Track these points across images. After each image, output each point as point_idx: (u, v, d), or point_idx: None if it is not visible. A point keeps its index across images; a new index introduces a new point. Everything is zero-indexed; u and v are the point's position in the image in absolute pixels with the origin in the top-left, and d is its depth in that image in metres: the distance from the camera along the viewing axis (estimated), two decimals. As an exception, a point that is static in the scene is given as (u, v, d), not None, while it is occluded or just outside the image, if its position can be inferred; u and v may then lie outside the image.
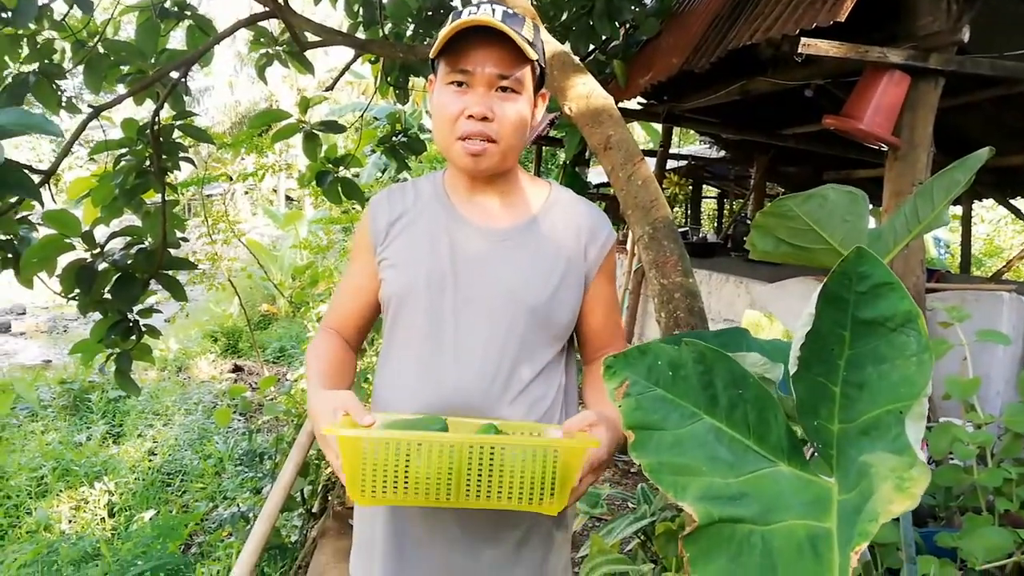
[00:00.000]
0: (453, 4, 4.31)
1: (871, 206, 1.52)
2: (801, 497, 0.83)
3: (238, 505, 4.22)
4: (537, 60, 1.24)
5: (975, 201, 7.51)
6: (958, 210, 7.19)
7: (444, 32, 1.19)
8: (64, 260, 2.83)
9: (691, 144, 12.36)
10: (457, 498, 1.06)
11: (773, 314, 2.24)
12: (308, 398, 1.24)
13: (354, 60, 4.50)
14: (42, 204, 2.55)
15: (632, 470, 4.14)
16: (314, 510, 3.85)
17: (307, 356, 1.37)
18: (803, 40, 2.86)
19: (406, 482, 1.04)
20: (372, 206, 1.39)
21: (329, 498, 3.70)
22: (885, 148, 3.13)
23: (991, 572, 1.66)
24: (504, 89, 1.22)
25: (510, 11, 1.21)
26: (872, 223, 1.25)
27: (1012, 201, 6.80)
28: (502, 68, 1.21)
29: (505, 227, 1.32)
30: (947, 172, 1.18)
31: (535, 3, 3.94)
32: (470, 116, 1.21)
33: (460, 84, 1.22)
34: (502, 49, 1.19)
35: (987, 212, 13.46)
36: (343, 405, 1.11)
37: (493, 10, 1.19)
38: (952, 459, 2.01)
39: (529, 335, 1.28)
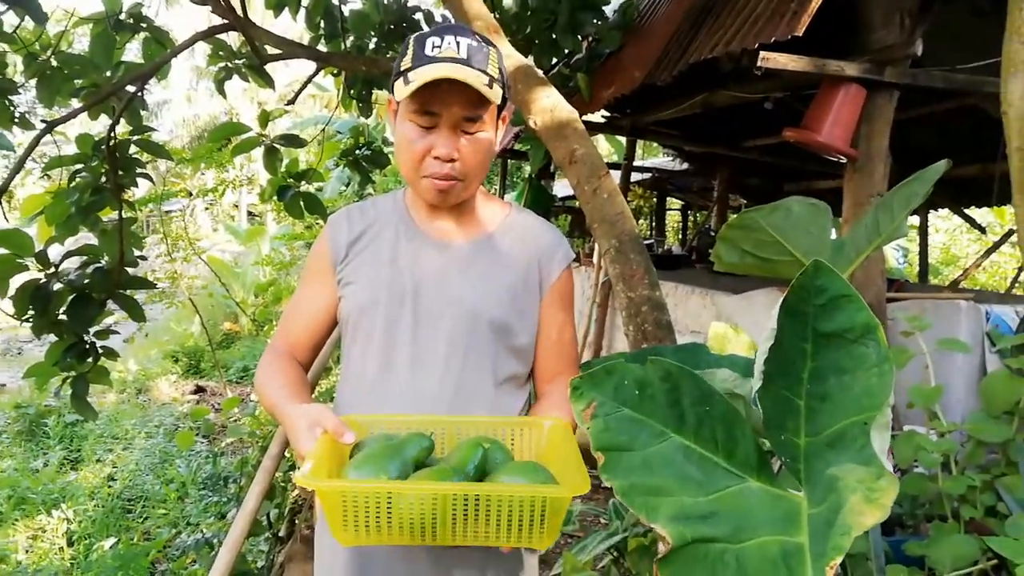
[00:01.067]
0: (415, 17, 4.30)
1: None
2: (771, 513, 0.82)
3: (202, 531, 4.12)
4: (503, 91, 1.23)
5: (931, 211, 7.69)
6: (915, 220, 7.35)
7: (411, 69, 1.16)
8: (17, 281, 2.75)
9: (655, 156, 12.48)
10: (443, 537, 1.04)
11: (739, 326, 2.25)
12: (279, 416, 1.21)
13: (316, 73, 4.46)
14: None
15: (603, 485, 4.13)
16: (281, 534, 3.76)
17: (259, 378, 1.32)
18: (762, 54, 2.89)
19: (390, 525, 1.01)
20: (331, 225, 1.38)
21: (296, 521, 3.62)
22: (843, 160, 3.18)
23: (958, 579, 1.67)
24: (470, 125, 1.21)
25: (474, 43, 1.19)
26: (833, 234, 1.26)
27: (966, 211, 6.96)
28: (468, 110, 1.19)
29: (464, 243, 1.32)
30: (906, 185, 1.19)
31: (498, 16, 3.95)
32: (436, 157, 1.20)
33: (425, 123, 1.20)
34: (469, 91, 1.17)
35: (942, 222, 13.78)
36: (319, 421, 1.10)
37: (458, 44, 1.17)
38: (917, 467, 2.03)
39: (489, 348, 1.28)
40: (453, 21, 3.27)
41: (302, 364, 1.39)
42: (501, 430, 1.21)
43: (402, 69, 1.19)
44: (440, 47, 1.16)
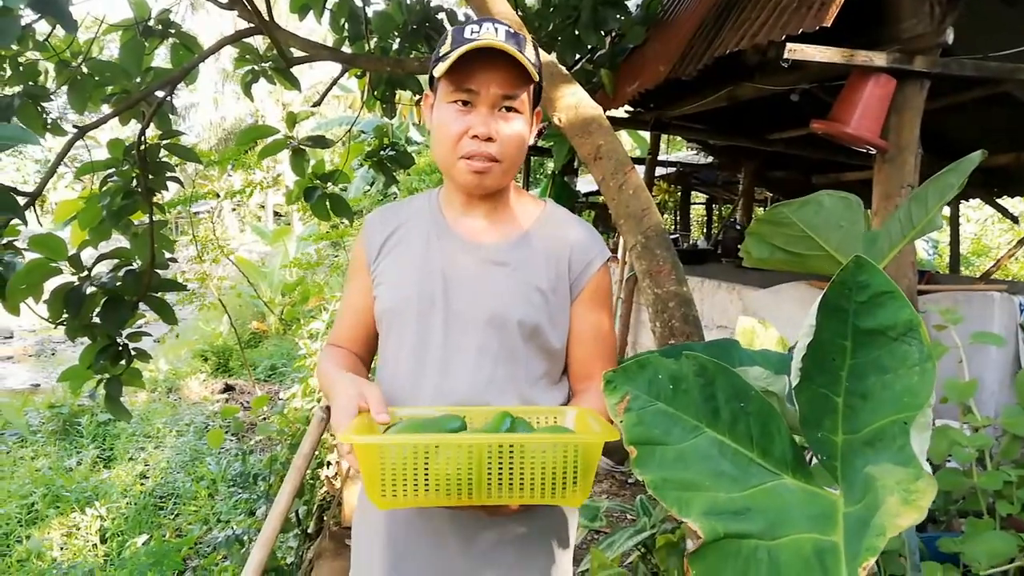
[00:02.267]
0: (439, 17, 4.31)
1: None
2: (807, 510, 0.82)
3: (232, 528, 4.16)
4: (539, 79, 1.24)
5: (962, 201, 7.56)
6: (946, 210, 7.23)
7: (450, 52, 1.18)
8: (51, 285, 2.80)
9: (679, 151, 12.41)
10: (479, 495, 1.06)
11: (767, 320, 2.24)
12: (331, 389, 1.24)
13: (341, 75, 4.49)
14: (26, 224, 2.52)
15: (630, 481, 4.12)
16: (310, 530, 3.80)
17: (318, 368, 1.37)
18: (789, 45, 2.86)
19: (426, 484, 1.04)
20: (367, 224, 1.40)
21: (324, 518, 3.66)
22: (873, 151, 3.14)
23: (995, 576, 1.65)
24: (506, 108, 1.22)
25: (511, 30, 1.20)
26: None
27: (998, 200, 6.84)
28: (506, 88, 1.21)
29: (496, 243, 1.32)
30: (940, 176, 1.18)
31: (521, 14, 3.95)
32: (474, 136, 1.21)
33: (463, 103, 1.22)
34: (506, 70, 1.19)
35: (973, 212, 13.55)
36: (364, 393, 1.14)
37: (496, 29, 1.18)
38: (951, 462, 2.00)
39: (520, 349, 1.28)
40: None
41: (360, 358, 1.43)
42: (529, 418, 1.22)
43: (441, 54, 1.21)
44: (478, 32, 1.18)
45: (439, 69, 1.20)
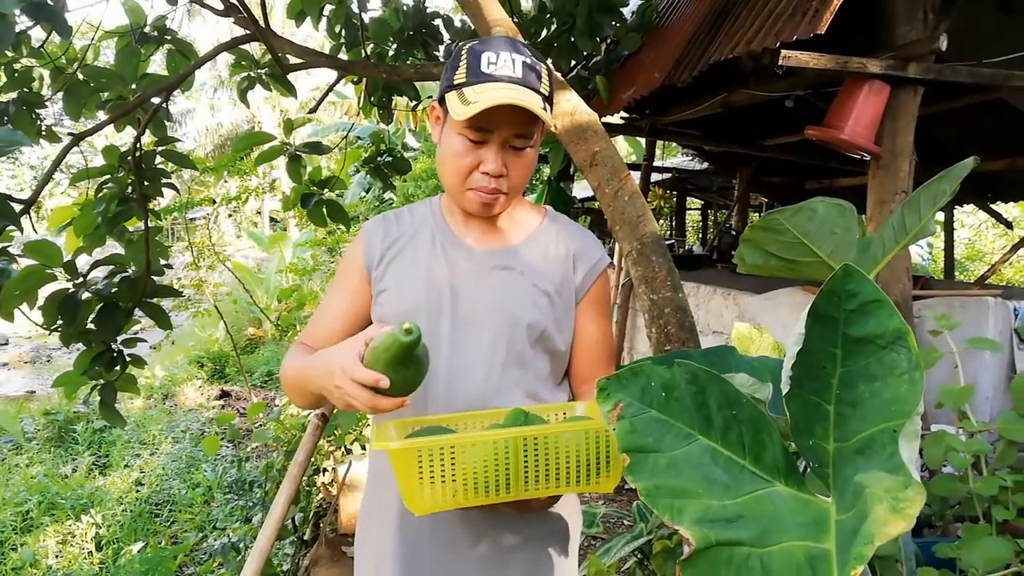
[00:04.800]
0: (435, 24, 4.32)
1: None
2: (799, 518, 0.82)
3: (228, 535, 4.15)
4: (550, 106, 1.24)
5: (956, 206, 7.59)
6: (940, 216, 7.25)
7: (464, 86, 1.16)
8: (46, 291, 2.79)
9: (674, 157, 12.43)
10: (516, 490, 1.07)
11: (763, 326, 2.24)
12: (307, 374, 1.17)
13: (337, 81, 4.50)
14: (21, 231, 2.52)
15: (626, 487, 4.11)
16: (306, 538, 3.80)
17: (284, 367, 1.31)
18: (783, 52, 2.87)
19: (464, 483, 1.05)
20: (367, 230, 1.39)
21: (321, 525, 3.65)
22: (867, 157, 3.15)
23: (991, 582, 1.65)
24: (520, 142, 1.22)
25: (528, 60, 1.19)
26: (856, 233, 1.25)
27: (992, 205, 6.86)
28: (521, 129, 1.21)
29: (502, 248, 1.33)
30: (933, 182, 1.18)
31: (516, 21, 3.95)
32: (484, 172, 1.21)
33: (475, 140, 1.21)
34: (523, 112, 1.16)
35: (967, 217, 13.59)
36: (361, 336, 1.06)
37: (514, 62, 1.17)
38: (947, 468, 2.00)
39: (528, 351, 1.29)
40: (473, 27, 3.28)
41: None
42: (540, 414, 1.22)
43: (455, 83, 1.19)
44: (496, 64, 1.16)
45: (455, 110, 1.16)
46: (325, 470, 3.81)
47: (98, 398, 3.11)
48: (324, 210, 3.84)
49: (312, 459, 3.61)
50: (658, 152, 8.84)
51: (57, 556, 4.97)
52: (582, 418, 1.22)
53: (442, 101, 1.25)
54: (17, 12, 2.15)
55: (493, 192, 1.23)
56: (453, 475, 1.04)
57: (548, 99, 1.21)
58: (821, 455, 0.85)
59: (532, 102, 1.15)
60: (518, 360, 1.28)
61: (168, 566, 4.31)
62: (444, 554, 1.27)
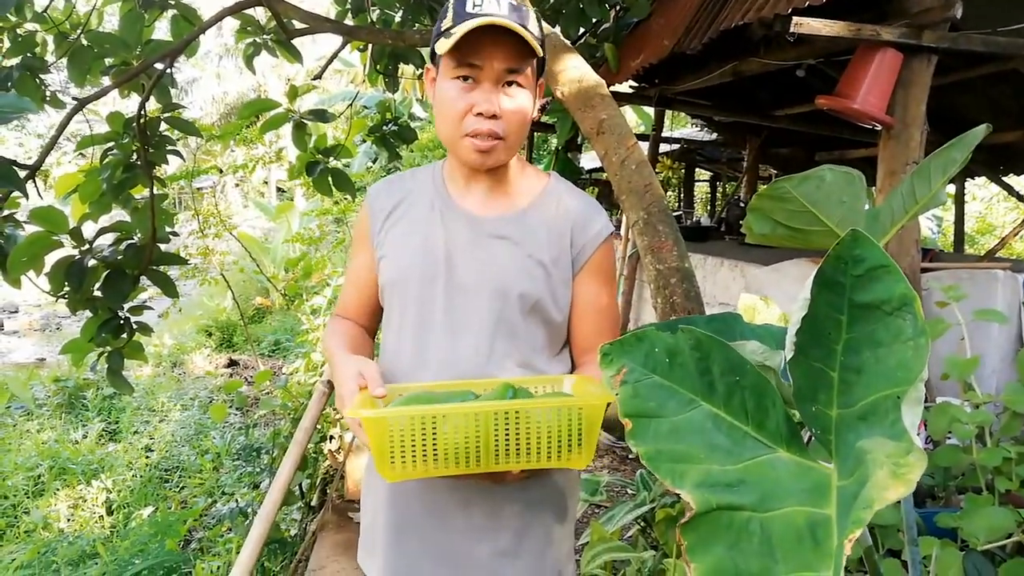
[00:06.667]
0: (441, -10, 4.26)
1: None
2: (800, 483, 0.82)
3: (236, 500, 4.21)
4: (542, 51, 1.23)
5: (967, 179, 7.50)
6: (951, 188, 7.18)
7: (452, 28, 1.16)
8: (52, 258, 2.80)
9: (683, 127, 12.32)
10: (487, 462, 1.08)
11: (769, 297, 2.23)
12: (333, 367, 1.27)
13: (342, 48, 4.45)
14: (27, 197, 2.52)
15: (630, 456, 4.14)
16: (313, 503, 3.84)
17: (323, 341, 1.39)
18: (795, 19, 2.82)
19: (435, 453, 1.06)
20: (371, 194, 1.40)
21: (328, 491, 3.69)
22: (878, 127, 3.11)
23: (992, 552, 1.66)
24: (510, 83, 1.21)
25: (513, 3, 1.18)
26: (866, 204, 1.23)
27: (1004, 178, 6.78)
28: (510, 63, 1.19)
29: (499, 216, 1.31)
30: (944, 151, 1.16)
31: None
32: (478, 113, 1.20)
33: (466, 79, 1.20)
34: (510, 44, 1.17)
35: (979, 190, 13.47)
36: (362, 371, 1.15)
37: (499, 2, 1.16)
38: (951, 439, 2.00)
39: (520, 322, 1.28)
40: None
41: (366, 328, 1.45)
42: (529, 387, 1.23)
43: (443, 28, 1.20)
44: (480, 4, 1.16)
45: (442, 46, 1.18)
46: (332, 437, 3.84)
47: (106, 365, 3.13)
48: (329, 179, 3.83)
49: (319, 426, 3.64)
50: (667, 122, 8.75)
51: (69, 520, 5.05)
52: (563, 394, 1.21)
53: (433, 58, 1.25)
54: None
55: (489, 135, 1.21)
56: (424, 445, 1.05)
57: (538, 39, 1.20)
58: (824, 421, 0.85)
59: (516, 26, 1.15)
60: (510, 330, 1.27)
61: (178, 529, 4.38)
62: (435, 526, 1.28)
